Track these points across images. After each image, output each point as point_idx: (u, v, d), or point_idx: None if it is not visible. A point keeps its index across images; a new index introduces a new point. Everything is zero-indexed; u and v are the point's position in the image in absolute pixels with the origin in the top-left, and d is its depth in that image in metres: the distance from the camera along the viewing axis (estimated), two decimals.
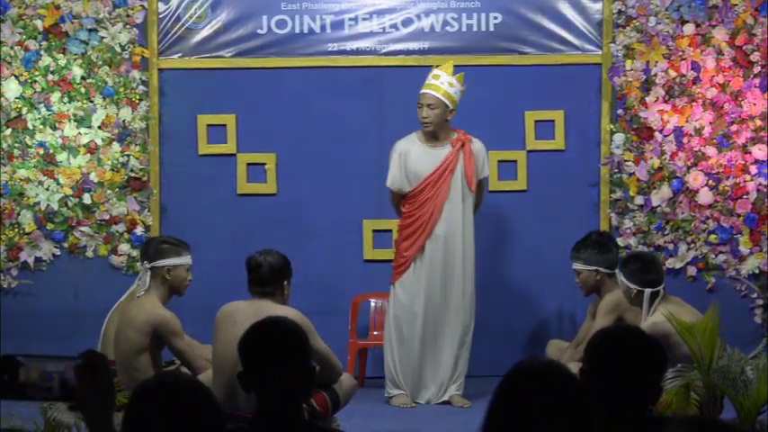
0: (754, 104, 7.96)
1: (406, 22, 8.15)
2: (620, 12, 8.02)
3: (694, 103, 7.99)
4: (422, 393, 7.31)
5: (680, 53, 7.99)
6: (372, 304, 8.01)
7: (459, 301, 7.25)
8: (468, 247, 7.29)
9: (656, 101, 8.00)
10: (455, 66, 7.32)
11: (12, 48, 7.95)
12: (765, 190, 7.97)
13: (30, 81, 7.97)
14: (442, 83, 7.19)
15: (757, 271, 8.01)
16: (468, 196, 7.27)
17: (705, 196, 7.99)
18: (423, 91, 7.21)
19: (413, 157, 7.23)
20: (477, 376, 7.47)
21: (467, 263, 7.29)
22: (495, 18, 8.12)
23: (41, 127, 7.97)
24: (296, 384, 3.27)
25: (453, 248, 7.22)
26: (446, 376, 7.26)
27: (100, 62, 7.99)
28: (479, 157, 7.30)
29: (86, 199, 7.99)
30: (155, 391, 2.62)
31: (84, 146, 7.99)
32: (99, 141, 7.99)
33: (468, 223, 7.30)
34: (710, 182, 8.00)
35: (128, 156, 8.02)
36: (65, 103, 7.98)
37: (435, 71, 7.25)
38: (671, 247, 8.03)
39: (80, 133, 7.98)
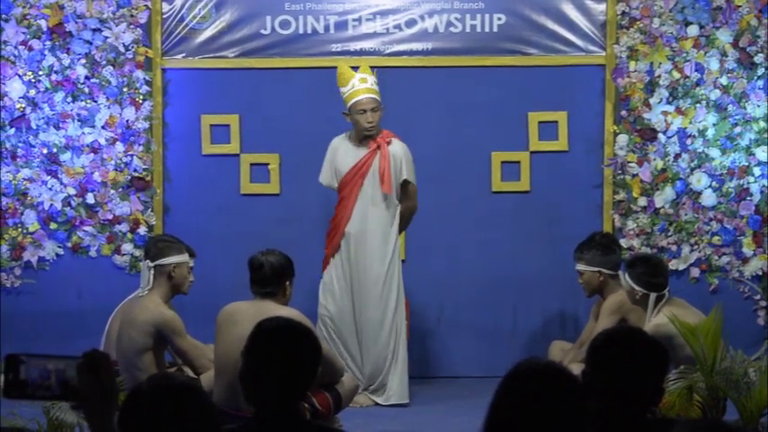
0: (758, 106, 7.95)
1: (410, 23, 8.14)
2: (623, 13, 8.01)
3: (698, 105, 7.98)
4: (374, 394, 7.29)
5: (684, 54, 7.99)
6: None
7: (376, 302, 7.16)
8: (389, 249, 7.18)
9: (659, 102, 8.00)
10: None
11: (16, 47, 7.95)
12: None
13: (33, 81, 7.97)
14: (372, 84, 7.23)
15: (760, 273, 8.00)
16: (386, 198, 7.20)
17: (708, 198, 7.99)
18: (360, 98, 7.17)
19: (340, 155, 7.30)
20: (480, 377, 7.46)
21: (385, 265, 7.17)
22: (499, 19, 8.11)
23: (45, 126, 7.98)
24: (300, 384, 3.27)
25: (364, 249, 7.17)
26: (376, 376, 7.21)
27: (104, 62, 7.99)
28: (397, 159, 7.20)
29: (90, 199, 8.00)
30: (148, 393, 2.61)
31: (88, 145, 7.99)
32: (102, 141, 7.99)
33: (386, 224, 7.20)
34: (714, 183, 7.99)
35: (131, 155, 8.02)
36: (68, 103, 7.98)
37: (360, 75, 7.24)
38: (674, 248, 8.02)
39: (83, 133, 7.98)
